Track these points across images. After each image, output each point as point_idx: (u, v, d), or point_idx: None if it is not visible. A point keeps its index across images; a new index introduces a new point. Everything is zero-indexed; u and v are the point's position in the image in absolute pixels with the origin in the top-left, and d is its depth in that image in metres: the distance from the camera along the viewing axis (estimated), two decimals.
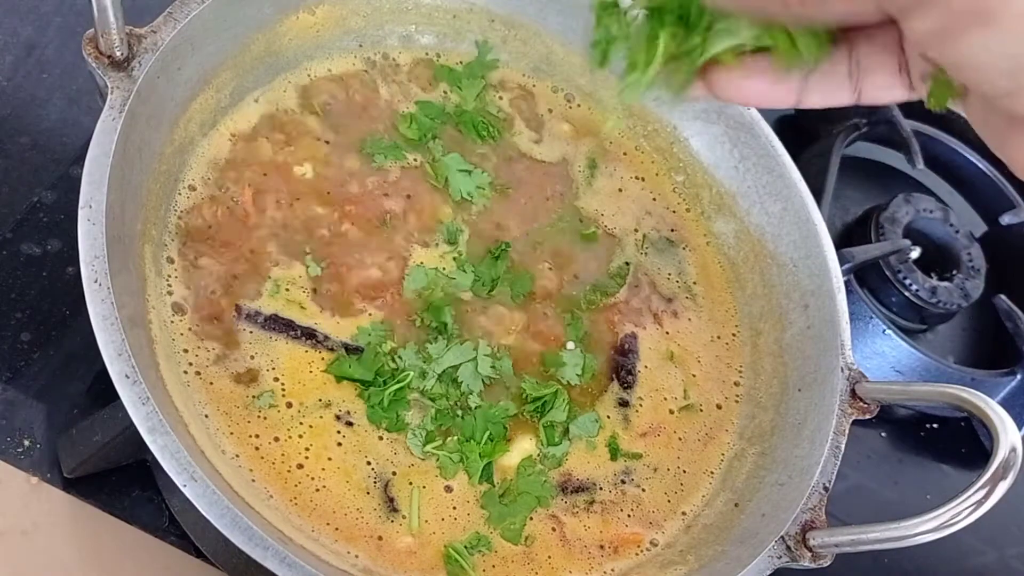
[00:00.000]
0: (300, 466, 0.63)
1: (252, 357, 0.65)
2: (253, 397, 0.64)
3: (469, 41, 0.85)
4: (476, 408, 0.68)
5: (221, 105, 0.72)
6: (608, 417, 0.73)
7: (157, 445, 0.51)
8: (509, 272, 0.76)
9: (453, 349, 0.69)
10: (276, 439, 0.63)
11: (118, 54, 0.60)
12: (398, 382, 0.66)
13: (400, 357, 0.68)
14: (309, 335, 0.67)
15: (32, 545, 0.66)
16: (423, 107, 0.81)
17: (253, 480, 0.61)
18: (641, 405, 0.74)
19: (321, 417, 0.65)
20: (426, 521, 0.64)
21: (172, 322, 0.64)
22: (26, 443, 0.69)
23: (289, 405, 0.65)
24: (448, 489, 0.65)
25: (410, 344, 0.69)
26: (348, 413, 0.66)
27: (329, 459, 0.64)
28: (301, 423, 0.64)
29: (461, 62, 0.85)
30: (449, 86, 0.84)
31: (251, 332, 0.66)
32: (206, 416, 0.62)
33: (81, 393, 0.72)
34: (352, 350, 0.68)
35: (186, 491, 0.50)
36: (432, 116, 0.81)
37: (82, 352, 0.73)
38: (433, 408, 0.67)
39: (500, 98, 0.85)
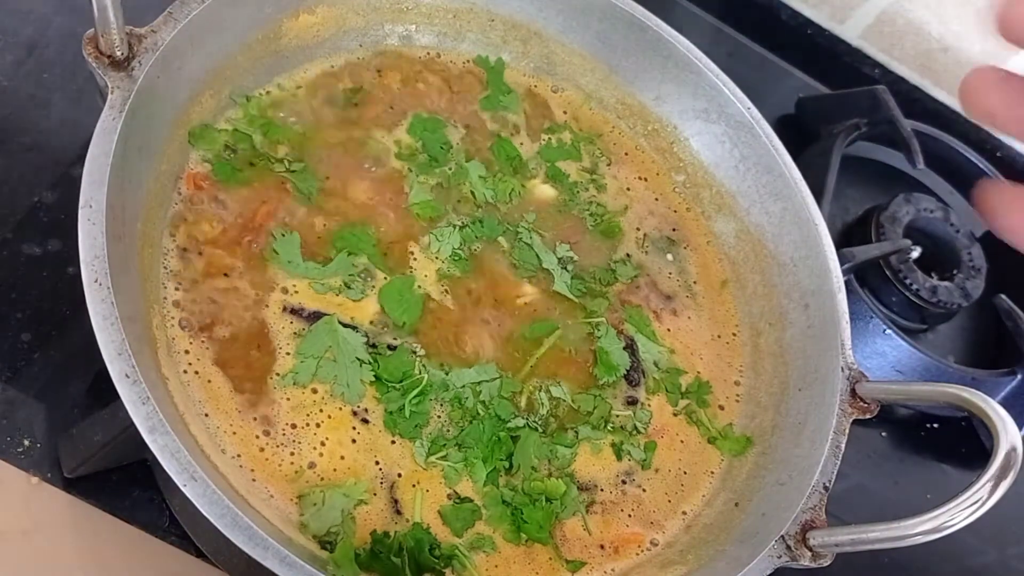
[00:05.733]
0: (312, 464, 0.63)
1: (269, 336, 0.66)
2: (277, 375, 0.64)
3: (469, 41, 0.85)
4: (484, 416, 0.68)
5: (221, 105, 0.72)
6: (617, 416, 0.73)
7: (157, 445, 0.51)
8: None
9: (476, 367, 0.69)
10: (293, 425, 0.63)
11: (118, 54, 0.60)
12: (417, 387, 0.66)
13: (425, 367, 0.68)
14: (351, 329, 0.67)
15: (32, 545, 0.66)
16: (426, 123, 0.80)
17: (254, 480, 0.61)
18: (649, 404, 0.74)
19: (340, 409, 0.65)
20: (428, 525, 0.64)
21: (172, 322, 0.64)
22: (26, 443, 0.69)
23: (315, 391, 0.65)
24: (451, 496, 0.65)
25: (435, 357, 0.69)
26: (366, 411, 0.66)
27: (342, 458, 0.64)
28: (321, 410, 0.64)
29: (468, 61, 0.85)
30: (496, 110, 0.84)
31: (293, 324, 0.67)
32: (206, 415, 0.62)
33: (81, 393, 0.72)
34: (392, 348, 0.68)
35: (186, 491, 0.50)
36: (433, 130, 0.80)
37: (82, 352, 0.73)
38: (444, 421, 0.67)
39: (521, 144, 0.84)
